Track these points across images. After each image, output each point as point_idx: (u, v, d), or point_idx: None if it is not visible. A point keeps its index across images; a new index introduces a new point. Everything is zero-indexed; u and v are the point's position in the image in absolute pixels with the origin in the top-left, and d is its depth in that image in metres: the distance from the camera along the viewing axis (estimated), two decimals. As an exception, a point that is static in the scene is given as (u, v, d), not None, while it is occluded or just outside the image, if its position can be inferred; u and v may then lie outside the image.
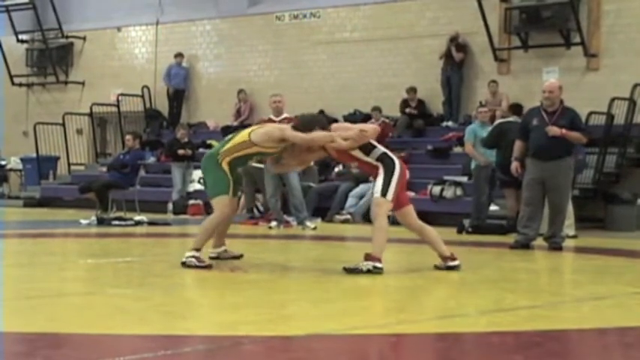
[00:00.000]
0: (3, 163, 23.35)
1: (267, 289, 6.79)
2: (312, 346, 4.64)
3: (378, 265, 7.41)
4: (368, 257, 7.44)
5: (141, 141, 16.52)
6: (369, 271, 7.32)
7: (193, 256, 7.67)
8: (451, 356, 4.60)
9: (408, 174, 8.09)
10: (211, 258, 8.12)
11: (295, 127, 7.70)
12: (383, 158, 7.68)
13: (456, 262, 7.98)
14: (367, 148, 7.70)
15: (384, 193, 7.57)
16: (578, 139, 10.49)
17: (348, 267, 7.46)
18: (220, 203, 7.76)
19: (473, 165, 13.76)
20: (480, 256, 10.32)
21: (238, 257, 8.29)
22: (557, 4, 17.14)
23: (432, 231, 8.13)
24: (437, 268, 8.02)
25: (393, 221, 15.29)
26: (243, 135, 7.78)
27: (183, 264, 7.65)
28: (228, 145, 7.78)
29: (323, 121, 7.92)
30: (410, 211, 8.00)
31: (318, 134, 7.65)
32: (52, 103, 23.86)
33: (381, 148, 7.75)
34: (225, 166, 7.72)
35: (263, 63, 21.07)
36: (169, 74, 21.56)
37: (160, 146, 20.36)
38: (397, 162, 7.69)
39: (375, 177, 7.71)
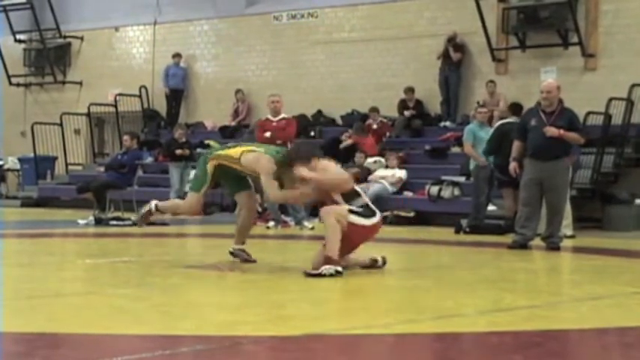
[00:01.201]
0: (0, 163, 23.32)
1: (266, 290, 6.79)
2: (310, 346, 4.64)
3: (339, 268, 7.19)
4: (328, 260, 7.20)
5: (139, 141, 16.50)
6: (331, 275, 7.10)
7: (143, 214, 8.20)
8: (450, 356, 4.60)
9: (376, 233, 7.90)
10: (230, 253, 8.32)
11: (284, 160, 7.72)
12: (364, 207, 7.50)
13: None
14: (350, 196, 7.52)
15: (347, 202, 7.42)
16: (576, 140, 10.49)
17: (310, 272, 7.22)
18: (191, 198, 8.23)
19: (472, 165, 13.74)
20: (478, 256, 10.32)
21: (252, 261, 8.29)
22: (555, 4, 17.14)
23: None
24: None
25: (390, 222, 15.42)
26: (237, 150, 8.05)
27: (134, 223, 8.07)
28: (221, 152, 8.12)
29: (308, 154, 7.65)
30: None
31: (285, 193, 7.82)
32: (50, 103, 23.85)
33: (365, 200, 7.57)
34: (210, 167, 8.00)
35: (261, 63, 21.07)
36: (167, 74, 21.56)
37: (158, 146, 20.35)
38: (377, 218, 7.52)
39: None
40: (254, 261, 8.27)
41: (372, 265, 7.86)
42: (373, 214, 7.54)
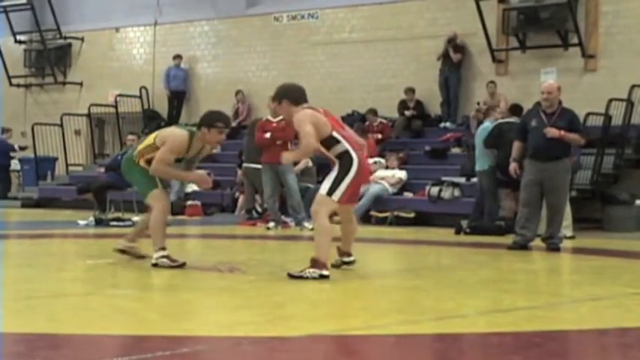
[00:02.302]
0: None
1: (266, 290, 6.79)
2: (311, 346, 4.64)
3: (325, 272, 7.06)
4: (314, 263, 7.09)
5: (141, 142, 16.50)
6: (314, 279, 6.97)
7: (163, 256, 7.79)
8: (450, 357, 4.60)
9: (370, 172, 7.79)
10: (117, 250, 8.32)
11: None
12: (342, 156, 7.31)
13: (351, 258, 7.72)
14: (329, 143, 7.35)
15: (330, 193, 7.24)
16: (576, 141, 10.50)
17: (292, 273, 7.12)
18: (154, 198, 7.97)
19: (485, 166, 13.30)
20: (479, 256, 10.32)
21: (142, 257, 8.26)
22: (555, 5, 17.15)
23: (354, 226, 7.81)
24: (334, 266, 7.62)
25: (391, 222, 15.41)
26: (149, 138, 8.08)
27: (155, 265, 7.74)
28: (140, 147, 8.07)
29: (299, 98, 7.62)
30: (348, 207, 7.68)
31: (171, 172, 8.03)
32: (50, 104, 23.85)
33: (345, 145, 7.31)
34: (143, 164, 7.95)
35: (261, 64, 21.08)
36: (169, 76, 21.55)
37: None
38: (356, 161, 7.26)
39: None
40: (145, 256, 8.20)
41: (344, 254, 7.73)
42: (351, 163, 7.27)
